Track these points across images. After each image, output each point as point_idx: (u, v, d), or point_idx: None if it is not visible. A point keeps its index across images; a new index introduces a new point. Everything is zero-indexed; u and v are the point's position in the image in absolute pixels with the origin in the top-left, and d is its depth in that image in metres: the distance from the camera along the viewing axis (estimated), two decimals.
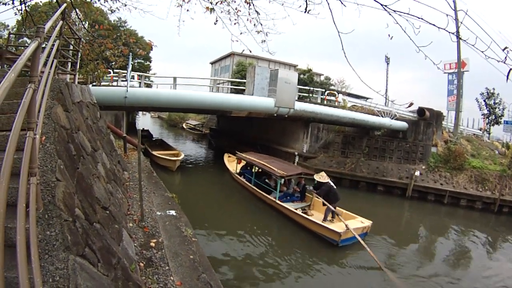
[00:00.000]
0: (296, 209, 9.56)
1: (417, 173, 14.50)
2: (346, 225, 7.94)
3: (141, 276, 3.80)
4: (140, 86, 15.02)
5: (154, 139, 21.46)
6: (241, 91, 17.42)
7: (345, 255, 7.77)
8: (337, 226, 8.18)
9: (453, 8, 18.39)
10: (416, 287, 6.70)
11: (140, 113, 42.94)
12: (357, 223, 8.55)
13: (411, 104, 17.54)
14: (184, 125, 39.46)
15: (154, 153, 15.49)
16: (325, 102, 19.53)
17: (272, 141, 19.39)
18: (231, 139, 22.84)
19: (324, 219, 8.88)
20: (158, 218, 5.92)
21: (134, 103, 10.82)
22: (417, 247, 9.39)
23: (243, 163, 13.69)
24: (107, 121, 11.60)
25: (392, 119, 15.96)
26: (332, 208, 8.82)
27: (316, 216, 9.34)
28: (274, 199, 10.20)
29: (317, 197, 9.60)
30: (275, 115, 13.30)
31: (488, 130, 28.61)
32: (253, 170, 12.49)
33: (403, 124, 16.25)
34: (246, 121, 21.23)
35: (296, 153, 16.67)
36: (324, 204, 9.07)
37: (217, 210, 10.55)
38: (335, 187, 9.43)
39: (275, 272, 6.77)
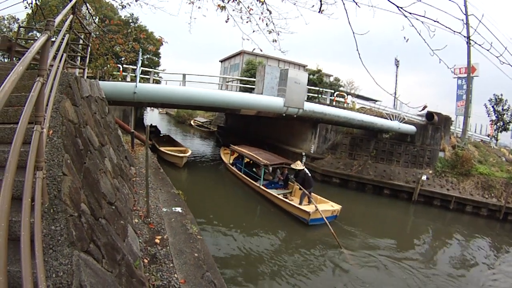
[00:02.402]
0: (278, 194, 10.81)
1: (424, 177, 14.31)
2: (315, 206, 9.16)
3: (145, 273, 3.79)
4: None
5: (161, 135, 21.50)
6: (250, 90, 17.38)
7: (313, 233, 8.99)
8: (308, 208, 9.42)
9: (464, 13, 18.15)
10: None
11: (148, 109, 43.26)
12: (328, 206, 9.88)
13: (424, 107, 17.24)
14: (192, 122, 39.44)
15: (162, 149, 15.51)
16: (334, 103, 19.39)
17: (280, 140, 19.32)
18: (239, 137, 22.81)
19: (300, 203, 9.99)
20: (164, 214, 5.92)
21: (143, 99, 10.84)
22: (418, 251, 9.27)
23: (236, 154, 15.01)
24: (115, 116, 11.69)
25: (400, 122, 15.78)
26: (306, 192, 9.95)
27: (296, 201, 10.43)
28: (259, 186, 11.58)
29: (296, 184, 10.75)
30: (284, 114, 13.24)
31: (496, 136, 28.11)
32: (244, 161, 13.92)
33: (411, 128, 16.05)
34: (254, 120, 21.21)
35: (304, 154, 16.58)
36: (300, 188, 10.28)
37: (217, 200, 11.47)
38: (309, 174, 10.62)
39: (257, 250, 7.57)
